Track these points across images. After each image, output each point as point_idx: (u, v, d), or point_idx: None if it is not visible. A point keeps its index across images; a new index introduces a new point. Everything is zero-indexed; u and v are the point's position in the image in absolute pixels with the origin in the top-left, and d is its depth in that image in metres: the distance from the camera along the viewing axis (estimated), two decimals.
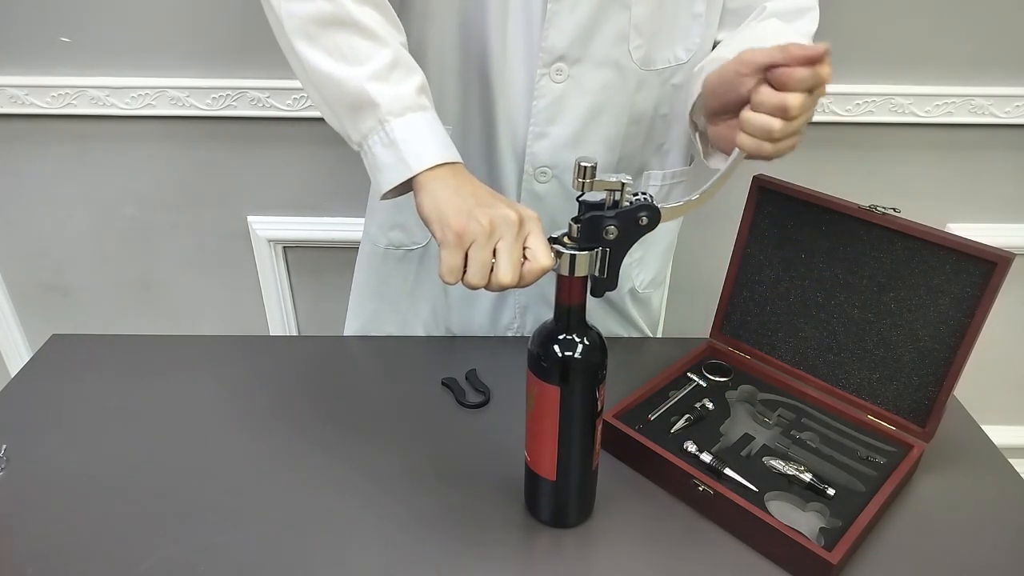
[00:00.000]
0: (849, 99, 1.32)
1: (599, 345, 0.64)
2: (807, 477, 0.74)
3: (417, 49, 0.80)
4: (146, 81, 1.30)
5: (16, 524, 0.72)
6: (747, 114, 0.61)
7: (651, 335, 1.09)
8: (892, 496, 0.73)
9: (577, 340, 0.63)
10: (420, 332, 1.05)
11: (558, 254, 0.60)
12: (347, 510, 0.74)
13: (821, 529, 0.70)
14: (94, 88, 1.29)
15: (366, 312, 1.06)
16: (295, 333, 1.60)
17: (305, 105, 1.32)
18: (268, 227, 1.46)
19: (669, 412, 0.83)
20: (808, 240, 0.82)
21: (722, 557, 0.69)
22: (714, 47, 0.83)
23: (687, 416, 0.82)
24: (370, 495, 0.76)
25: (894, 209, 0.75)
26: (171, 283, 1.54)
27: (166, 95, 1.30)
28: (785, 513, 0.72)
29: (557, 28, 0.78)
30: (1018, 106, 1.32)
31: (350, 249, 1.34)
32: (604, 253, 0.61)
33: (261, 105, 1.32)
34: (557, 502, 0.71)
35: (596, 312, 1.02)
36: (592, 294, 0.63)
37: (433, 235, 0.61)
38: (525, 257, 0.59)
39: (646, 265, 1.01)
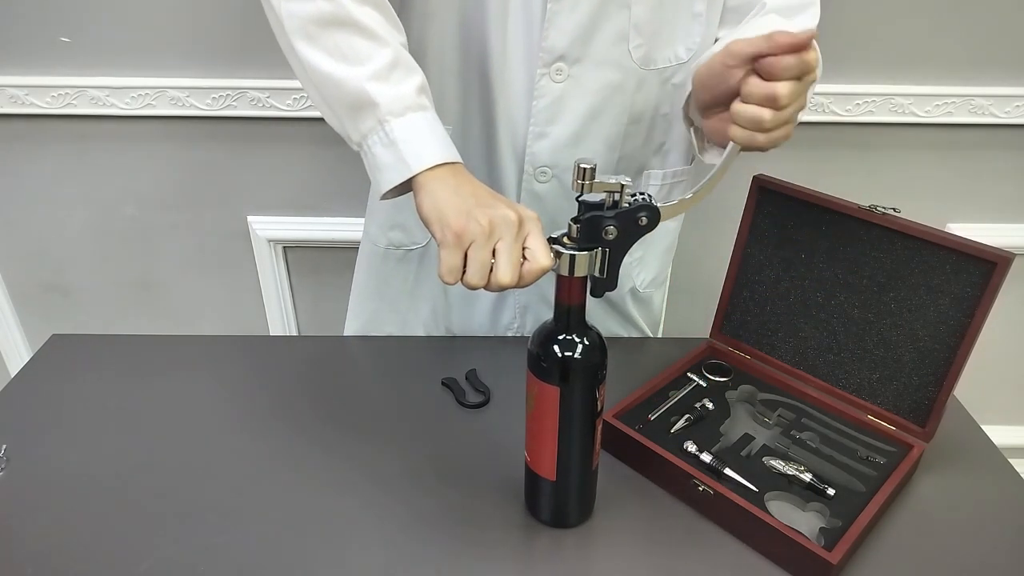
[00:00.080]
0: (849, 99, 1.32)
1: (599, 345, 0.64)
2: (807, 477, 0.74)
3: (417, 49, 0.80)
4: (146, 81, 1.30)
5: (16, 524, 0.72)
6: (737, 106, 0.61)
7: (651, 335, 1.09)
8: (892, 496, 0.73)
9: (577, 340, 0.63)
10: (420, 332, 1.05)
11: (558, 254, 0.60)
12: (347, 510, 0.74)
13: (821, 529, 0.70)
14: (94, 88, 1.29)
15: (366, 312, 1.06)
16: (295, 333, 1.60)
17: (305, 105, 1.32)
18: (268, 227, 1.46)
19: (669, 412, 0.83)
20: (808, 240, 0.82)
21: (722, 557, 0.69)
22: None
23: (687, 416, 0.82)
24: (370, 495, 0.76)
25: (894, 209, 0.75)
26: (171, 283, 1.54)
27: (166, 95, 1.30)
28: (785, 513, 0.72)
29: (557, 28, 0.78)
30: (1018, 106, 1.32)
31: (350, 249, 1.34)
32: (604, 253, 0.61)
33: (261, 105, 1.32)
34: (557, 502, 0.71)
35: (596, 312, 1.02)
36: (592, 294, 0.63)
37: (433, 235, 0.61)
38: (525, 257, 0.59)
39: (647, 264, 1.01)
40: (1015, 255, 0.70)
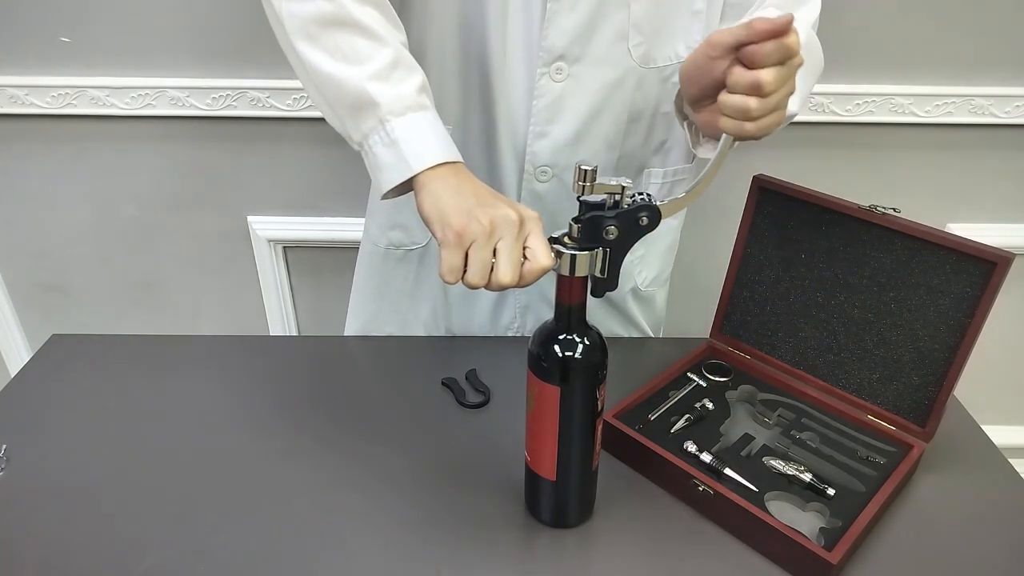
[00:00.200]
0: (849, 99, 1.32)
1: (599, 345, 0.64)
2: (807, 477, 0.74)
3: (417, 49, 0.80)
4: (146, 81, 1.30)
5: (16, 524, 0.72)
6: (723, 97, 0.61)
7: (653, 335, 1.09)
8: (892, 496, 0.73)
9: (577, 340, 0.63)
10: (420, 332, 1.05)
11: (558, 254, 0.60)
12: (347, 510, 0.74)
13: (821, 529, 0.70)
14: (94, 88, 1.29)
15: (366, 312, 1.06)
16: (295, 333, 1.60)
17: (305, 105, 1.32)
18: (268, 227, 1.46)
19: (669, 412, 0.83)
20: (808, 240, 0.82)
21: (722, 557, 0.69)
22: None
23: (687, 416, 0.82)
24: (370, 495, 0.76)
25: (894, 209, 0.75)
26: (171, 283, 1.54)
27: (166, 95, 1.30)
28: (785, 513, 0.72)
29: (557, 27, 0.78)
30: (1018, 106, 1.32)
31: (350, 249, 1.34)
32: (604, 253, 0.61)
33: (261, 105, 1.32)
34: (557, 502, 0.71)
35: (597, 312, 1.02)
36: (592, 294, 0.63)
37: (433, 235, 0.61)
38: (525, 257, 0.59)
39: (648, 263, 1.01)
40: (1015, 255, 0.70)
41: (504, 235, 0.59)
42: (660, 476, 0.77)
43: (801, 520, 0.71)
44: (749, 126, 0.60)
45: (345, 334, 1.10)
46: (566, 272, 0.61)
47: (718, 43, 0.59)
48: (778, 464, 0.76)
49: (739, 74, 0.58)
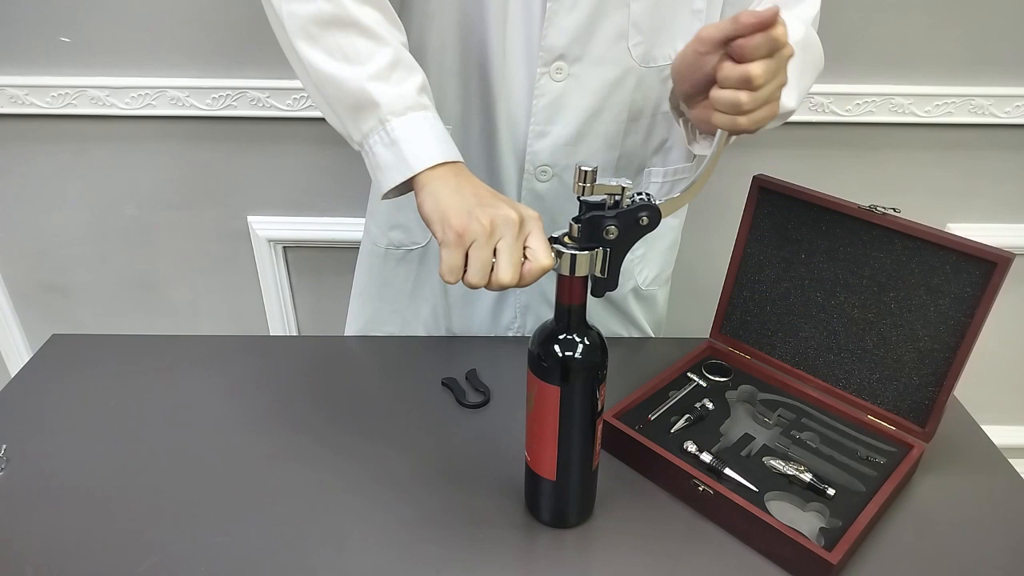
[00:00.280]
0: (849, 99, 1.32)
1: (599, 345, 0.64)
2: (807, 477, 0.74)
3: (417, 49, 0.80)
4: (146, 81, 1.30)
5: (16, 524, 0.72)
6: (715, 92, 0.60)
7: (654, 334, 1.09)
8: (892, 496, 0.73)
9: (577, 340, 0.63)
10: (421, 332, 1.05)
11: (558, 254, 0.60)
12: (347, 510, 0.74)
13: (821, 529, 0.70)
14: (94, 88, 1.29)
15: (366, 312, 1.06)
16: (295, 333, 1.60)
17: (305, 105, 1.32)
18: (268, 227, 1.46)
19: (669, 412, 0.83)
20: (808, 240, 0.82)
21: (722, 557, 0.69)
22: None
23: (687, 416, 0.82)
24: (370, 495, 0.76)
25: (894, 209, 0.75)
26: (171, 283, 1.54)
27: (166, 95, 1.30)
28: (785, 513, 0.72)
29: (556, 27, 0.78)
30: (1018, 106, 1.32)
31: (350, 249, 1.34)
32: (605, 253, 0.61)
33: (261, 105, 1.32)
34: (557, 502, 0.71)
35: (597, 312, 1.02)
36: (592, 294, 0.63)
37: (434, 234, 0.61)
38: (526, 257, 0.59)
39: (649, 262, 1.01)
40: (1015, 255, 0.70)
41: (504, 235, 0.59)
42: (660, 476, 0.77)
43: (801, 520, 0.71)
44: (742, 120, 0.60)
45: (345, 334, 1.10)
46: (566, 272, 0.61)
47: (706, 38, 0.59)
48: (778, 464, 0.76)
49: (728, 69, 0.58)
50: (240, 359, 0.96)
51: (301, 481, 0.77)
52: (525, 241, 0.60)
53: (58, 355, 0.97)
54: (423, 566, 0.68)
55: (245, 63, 1.29)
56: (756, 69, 0.57)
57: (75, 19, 1.25)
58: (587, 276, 0.61)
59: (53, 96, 1.30)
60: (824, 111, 1.33)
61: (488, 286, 0.59)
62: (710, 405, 0.84)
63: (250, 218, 1.45)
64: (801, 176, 0.84)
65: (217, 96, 1.31)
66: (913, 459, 0.76)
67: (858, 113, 1.33)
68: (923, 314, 0.76)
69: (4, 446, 0.81)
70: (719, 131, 0.63)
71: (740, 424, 0.83)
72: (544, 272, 0.59)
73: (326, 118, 0.71)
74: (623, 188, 0.60)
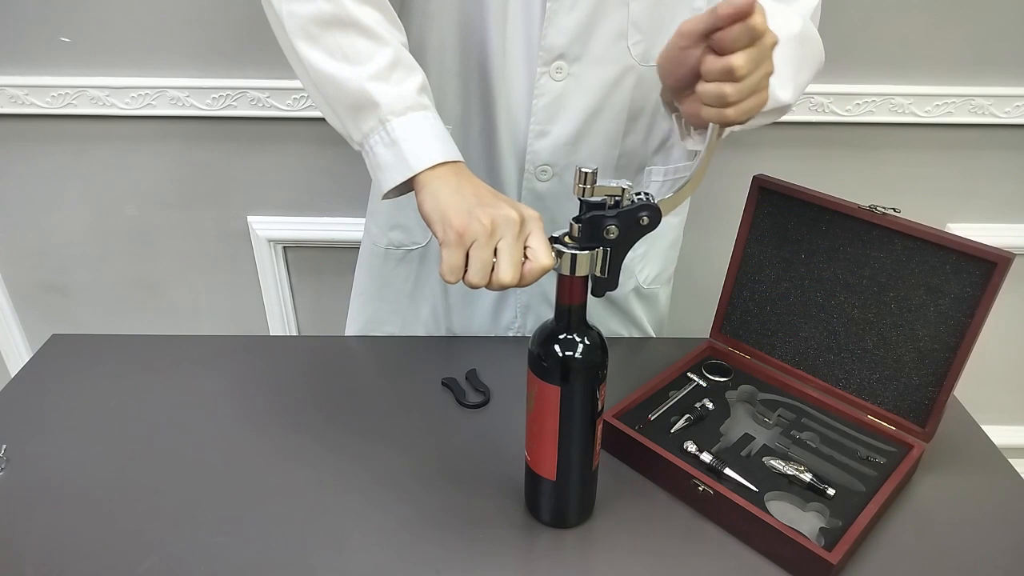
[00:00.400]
0: (849, 99, 1.32)
1: (600, 345, 0.64)
2: (807, 477, 0.74)
3: (417, 49, 0.80)
4: (146, 81, 1.30)
5: (16, 524, 0.72)
6: (700, 86, 0.60)
7: (656, 334, 1.09)
8: (892, 496, 0.73)
9: (577, 340, 0.63)
10: (421, 332, 1.05)
11: (559, 254, 0.60)
12: (347, 510, 0.74)
13: (821, 529, 0.70)
14: (94, 88, 1.29)
15: (367, 313, 1.06)
16: (295, 333, 1.60)
17: (305, 105, 1.32)
18: (268, 227, 1.46)
19: (669, 412, 0.83)
20: (808, 240, 0.82)
21: (722, 557, 0.69)
22: None
23: (687, 416, 0.82)
24: (370, 495, 0.76)
25: (894, 209, 0.75)
26: (171, 283, 1.54)
27: (166, 95, 1.30)
28: (785, 513, 0.72)
29: (556, 26, 0.78)
30: (1018, 106, 1.32)
31: (350, 249, 1.34)
32: (605, 253, 0.61)
33: (261, 105, 1.32)
34: (557, 502, 0.71)
35: (598, 312, 1.02)
36: (593, 294, 0.63)
37: (434, 234, 0.61)
38: (526, 256, 0.60)
39: (650, 260, 1.01)
40: (1015, 255, 0.70)
41: (505, 235, 0.59)
42: (660, 476, 0.77)
43: (801, 520, 0.71)
44: (729, 112, 0.60)
45: (345, 334, 1.10)
46: (566, 272, 0.61)
47: (687, 32, 0.59)
48: (778, 464, 0.76)
49: (711, 61, 0.58)
50: (240, 359, 0.96)
51: (301, 481, 0.77)
52: (526, 241, 0.60)
53: (58, 355, 0.97)
54: (423, 566, 0.68)
55: (245, 63, 1.29)
56: (738, 60, 0.56)
57: (75, 19, 1.25)
58: (587, 276, 0.61)
59: (53, 96, 1.30)
60: (824, 111, 1.33)
61: (488, 286, 0.59)
62: (710, 405, 0.84)
63: (250, 218, 1.45)
64: (801, 176, 0.84)
65: (217, 96, 1.31)
66: (913, 459, 0.76)
67: (858, 113, 1.33)
68: (923, 314, 0.76)
69: (4, 446, 0.81)
70: (711, 124, 0.63)
71: (740, 424, 0.83)
72: (544, 272, 0.59)
73: (326, 118, 0.71)
74: (623, 190, 0.60)
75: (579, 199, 0.60)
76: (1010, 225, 1.45)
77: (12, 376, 0.93)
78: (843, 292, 0.81)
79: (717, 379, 0.89)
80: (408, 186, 0.66)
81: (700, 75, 0.60)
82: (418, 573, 0.67)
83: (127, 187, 1.42)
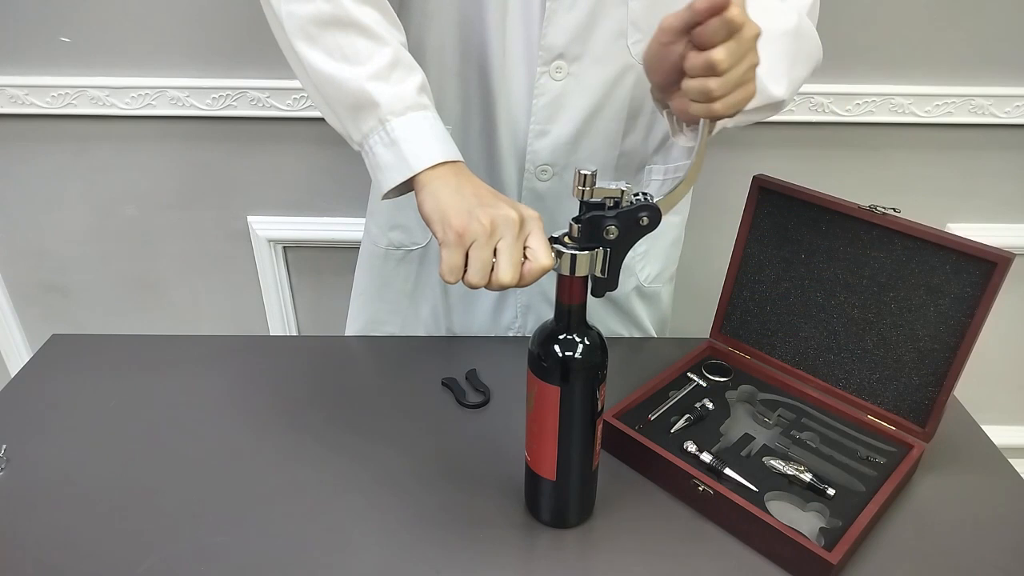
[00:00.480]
0: (849, 99, 1.32)
1: (599, 345, 0.64)
2: (807, 477, 0.74)
3: (416, 49, 0.80)
4: (146, 81, 1.30)
5: (16, 524, 0.72)
6: (685, 82, 0.60)
7: (658, 333, 1.08)
8: (892, 496, 0.73)
9: (577, 340, 0.63)
10: (421, 332, 1.05)
11: (558, 254, 0.60)
12: (347, 510, 0.74)
13: (821, 529, 0.70)
14: (94, 88, 1.29)
15: (367, 313, 1.06)
16: (295, 333, 1.60)
17: (305, 105, 1.32)
18: (268, 227, 1.46)
19: (669, 412, 0.83)
20: (808, 240, 0.82)
21: (722, 557, 0.69)
22: None
23: (687, 416, 0.82)
24: (370, 495, 0.76)
25: (894, 209, 0.75)
26: (171, 283, 1.54)
27: (166, 95, 1.30)
28: (785, 513, 0.72)
29: (556, 26, 0.78)
30: (1018, 106, 1.32)
31: (350, 249, 1.34)
32: (604, 253, 0.61)
33: (261, 105, 1.32)
34: (557, 502, 0.71)
35: (599, 311, 1.02)
36: (593, 294, 0.63)
37: (434, 234, 0.61)
38: (526, 257, 0.59)
39: (652, 258, 1.01)
40: (1015, 255, 0.70)
41: (504, 235, 0.59)
42: (660, 476, 0.77)
43: (801, 520, 0.71)
44: (716, 106, 0.59)
45: (346, 335, 1.10)
46: (566, 272, 0.61)
47: (667, 28, 0.59)
48: (778, 464, 0.76)
49: (693, 57, 0.58)
50: (240, 359, 0.96)
51: (301, 481, 0.77)
52: (525, 241, 0.60)
53: (58, 355, 0.97)
54: (423, 566, 0.68)
55: (245, 63, 1.29)
56: (718, 54, 0.56)
57: (75, 19, 1.25)
58: (587, 276, 0.61)
59: (53, 96, 1.30)
60: (824, 111, 1.33)
61: (488, 286, 0.59)
62: (710, 405, 0.84)
63: (250, 218, 1.45)
64: (801, 176, 0.84)
65: (217, 96, 1.31)
66: (913, 459, 0.76)
67: (858, 113, 1.33)
68: (923, 314, 0.76)
69: (4, 446, 0.81)
70: (701, 120, 0.63)
71: (740, 424, 0.83)
72: (544, 272, 0.59)
73: (326, 119, 0.71)
74: (622, 192, 0.60)
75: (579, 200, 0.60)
76: (1010, 225, 1.45)
77: (12, 376, 0.93)
78: (843, 292, 0.81)
79: (717, 379, 0.89)
80: (408, 186, 0.66)
81: (684, 71, 0.60)
82: (418, 573, 0.67)
83: (127, 187, 1.42)
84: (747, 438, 0.80)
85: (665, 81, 0.64)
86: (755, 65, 0.60)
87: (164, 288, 1.54)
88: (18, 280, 1.53)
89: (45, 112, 1.32)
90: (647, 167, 0.92)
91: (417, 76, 0.68)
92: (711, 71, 0.57)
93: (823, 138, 1.37)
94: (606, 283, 0.62)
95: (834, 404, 0.83)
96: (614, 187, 0.59)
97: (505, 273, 0.58)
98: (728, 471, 0.75)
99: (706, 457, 0.76)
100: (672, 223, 1.02)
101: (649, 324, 1.06)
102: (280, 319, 1.57)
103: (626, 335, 1.05)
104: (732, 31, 0.56)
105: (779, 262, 0.85)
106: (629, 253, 0.62)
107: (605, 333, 0.65)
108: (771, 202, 0.84)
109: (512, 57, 0.81)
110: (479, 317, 1.02)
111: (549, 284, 0.95)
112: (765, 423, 0.83)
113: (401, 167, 0.65)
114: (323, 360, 0.97)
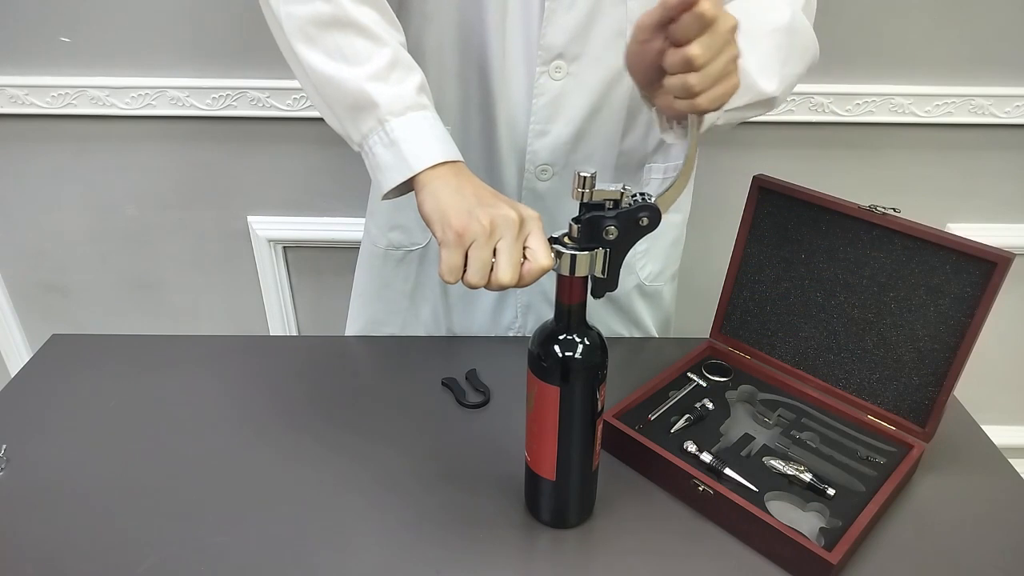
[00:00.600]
0: (849, 99, 1.32)
1: (599, 345, 0.64)
2: (807, 477, 0.74)
3: (416, 49, 0.80)
4: (146, 81, 1.30)
5: (16, 524, 0.72)
6: (667, 79, 0.60)
7: (660, 333, 1.08)
8: (892, 496, 0.73)
9: (577, 340, 0.63)
10: (421, 333, 1.05)
11: (558, 254, 0.60)
12: (347, 510, 0.74)
13: (821, 529, 0.70)
14: (94, 88, 1.30)
15: (367, 313, 1.06)
16: (295, 333, 1.60)
17: (305, 105, 1.32)
18: (268, 227, 1.46)
19: (669, 412, 0.83)
20: (808, 240, 0.82)
21: (722, 557, 0.69)
22: None
23: (687, 416, 0.82)
24: (370, 495, 0.76)
25: (894, 209, 0.75)
26: (171, 283, 1.54)
27: (166, 95, 1.30)
28: (785, 513, 0.72)
29: (555, 26, 0.78)
30: (1018, 106, 1.32)
31: (350, 249, 1.34)
32: (604, 253, 0.61)
33: (261, 105, 1.32)
34: (557, 502, 0.71)
35: (599, 311, 1.02)
36: (592, 295, 0.63)
37: (434, 234, 0.61)
38: (525, 257, 0.59)
39: (652, 257, 1.01)
40: (1015, 255, 0.70)
41: (504, 235, 0.59)
42: (660, 476, 0.77)
43: (801, 520, 0.71)
44: (700, 101, 0.59)
45: (346, 335, 1.10)
46: (566, 272, 0.61)
47: (643, 26, 0.58)
48: (778, 464, 0.76)
49: (671, 54, 0.57)
50: (240, 359, 0.96)
51: (301, 481, 0.77)
52: (525, 241, 0.60)
53: (58, 355, 0.97)
54: (423, 566, 0.68)
55: (245, 63, 1.29)
56: (694, 49, 0.56)
57: (75, 19, 1.25)
58: (587, 276, 0.61)
59: (53, 96, 1.30)
60: (824, 111, 1.33)
61: (488, 286, 0.59)
62: (710, 405, 0.84)
63: (250, 218, 1.45)
64: (801, 176, 0.83)
65: (217, 96, 1.31)
66: (913, 459, 0.76)
67: (858, 113, 1.33)
68: (923, 314, 0.76)
69: (4, 446, 0.81)
70: (689, 116, 0.63)
71: (740, 424, 0.83)
72: (543, 272, 0.59)
73: (325, 119, 0.71)
74: (622, 193, 0.60)
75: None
76: (1010, 225, 1.45)
77: (12, 376, 0.93)
78: (843, 292, 0.81)
79: (717, 379, 0.89)
80: (408, 186, 0.66)
81: (664, 68, 0.60)
82: (418, 573, 0.67)
83: (127, 187, 1.42)
84: (747, 438, 0.80)
85: (648, 79, 0.64)
86: (735, 57, 0.60)
87: (164, 288, 1.54)
88: (18, 280, 1.53)
89: (45, 112, 1.32)
90: (647, 166, 0.92)
91: (416, 76, 0.68)
92: (689, 66, 0.57)
93: (823, 138, 1.37)
94: (606, 283, 0.62)
95: (834, 404, 0.83)
96: (614, 188, 0.59)
97: (504, 273, 0.58)
98: (728, 471, 0.75)
99: (706, 457, 0.76)
100: (673, 222, 1.02)
101: (651, 323, 1.06)
102: (280, 319, 1.57)
103: (627, 335, 1.05)
104: (705, 25, 0.55)
105: (779, 262, 0.85)
106: (629, 252, 0.62)
107: (606, 333, 0.65)
108: (771, 202, 0.84)
109: (511, 57, 0.81)
110: (479, 317, 1.02)
111: (549, 284, 0.95)
112: (765, 423, 0.83)
113: (401, 167, 0.65)
114: (323, 360, 0.97)
